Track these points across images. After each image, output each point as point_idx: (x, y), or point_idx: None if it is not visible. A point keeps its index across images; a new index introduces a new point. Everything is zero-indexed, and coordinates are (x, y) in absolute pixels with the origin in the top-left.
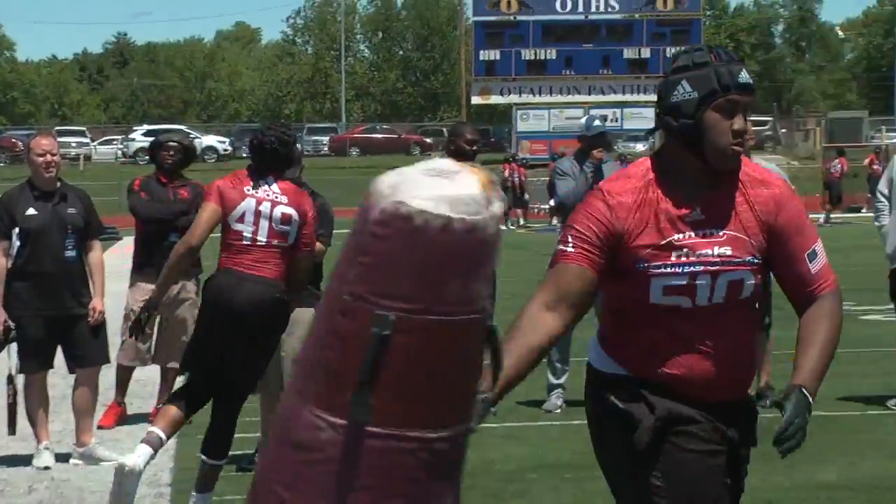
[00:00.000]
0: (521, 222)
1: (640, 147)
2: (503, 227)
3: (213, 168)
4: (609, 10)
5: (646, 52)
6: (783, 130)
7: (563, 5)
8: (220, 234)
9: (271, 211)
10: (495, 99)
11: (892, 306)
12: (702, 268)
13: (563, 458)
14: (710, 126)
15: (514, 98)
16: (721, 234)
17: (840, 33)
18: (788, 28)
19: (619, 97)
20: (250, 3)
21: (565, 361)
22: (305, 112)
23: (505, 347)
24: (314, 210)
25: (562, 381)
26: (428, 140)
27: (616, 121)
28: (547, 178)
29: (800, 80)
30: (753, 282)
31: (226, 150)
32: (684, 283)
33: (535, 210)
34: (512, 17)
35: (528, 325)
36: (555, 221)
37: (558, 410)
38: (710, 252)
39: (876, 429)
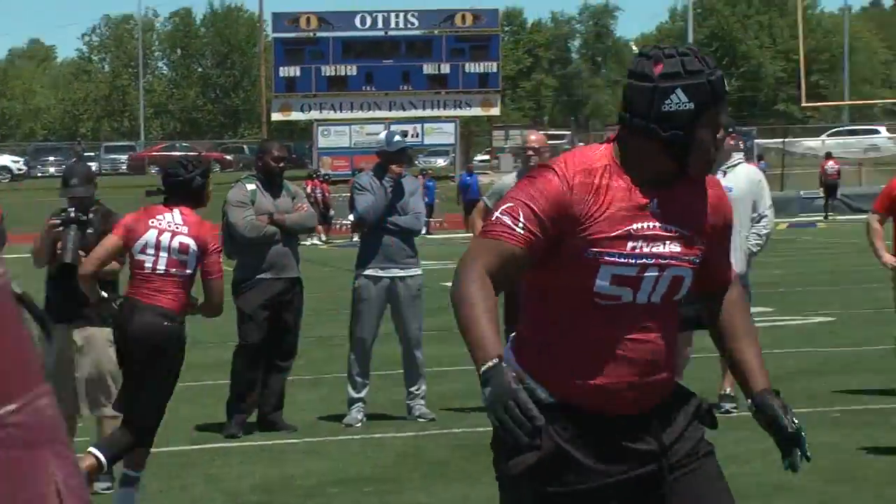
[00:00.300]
0: (324, 238)
1: (441, 162)
2: (310, 243)
3: (7, 188)
4: (409, 26)
5: (445, 68)
6: (580, 144)
7: (363, 22)
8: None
9: (170, 241)
10: (296, 115)
11: None
12: (653, 260)
13: (364, 472)
14: (701, 139)
15: (314, 114)
16: (674, 230)
17: (634, 48)
18: (585, 44)
19: (419, 112)
20: (45, 21)
21: (366, 375)
22: (103, 130)
23: (480, 311)
24: (217, 240)
25: (362, 395)
26: (228, 157)
27: (417, 136)
28: (349, 194)
29: (596, 95)
30: (690, 282)
31: (20, 169)
32: (633, 273)
33: (338, 226)
34: (311, 34)
35: (488, 292)
36: (356, 238)
37: (359, 424)
38: (662, 246)
39: None
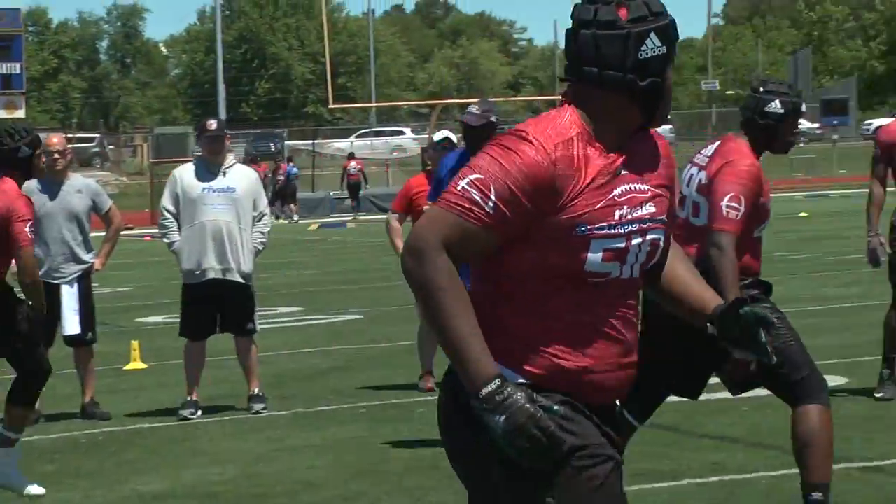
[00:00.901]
0: None
1: None
2: None
3: None
4: None
5: None
6: (111, 147)
7: None
8: None
9: None
10: None
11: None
12: (636, 226)
13: None
14: (669, 84)
15: None
16: (647, 189)
17: (164, 50)
18: (113, 45)
19: None
20: None
21: None
22: None
23: (460, 308)
24: (25, 211)
25: None
26: None
27: None
28: None
29: (126, 97)
30: (664, 247)
31: None
32: (623, 245)
33: None
34: None
35: (457, 278)
36: None
37: None
38: (640, 209)
39: (195, 437)
